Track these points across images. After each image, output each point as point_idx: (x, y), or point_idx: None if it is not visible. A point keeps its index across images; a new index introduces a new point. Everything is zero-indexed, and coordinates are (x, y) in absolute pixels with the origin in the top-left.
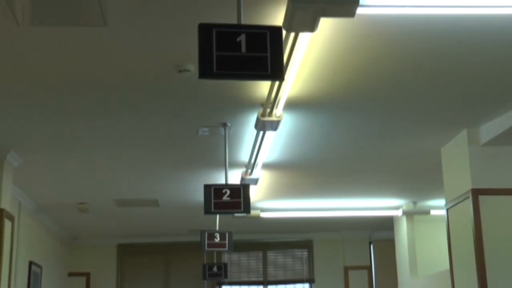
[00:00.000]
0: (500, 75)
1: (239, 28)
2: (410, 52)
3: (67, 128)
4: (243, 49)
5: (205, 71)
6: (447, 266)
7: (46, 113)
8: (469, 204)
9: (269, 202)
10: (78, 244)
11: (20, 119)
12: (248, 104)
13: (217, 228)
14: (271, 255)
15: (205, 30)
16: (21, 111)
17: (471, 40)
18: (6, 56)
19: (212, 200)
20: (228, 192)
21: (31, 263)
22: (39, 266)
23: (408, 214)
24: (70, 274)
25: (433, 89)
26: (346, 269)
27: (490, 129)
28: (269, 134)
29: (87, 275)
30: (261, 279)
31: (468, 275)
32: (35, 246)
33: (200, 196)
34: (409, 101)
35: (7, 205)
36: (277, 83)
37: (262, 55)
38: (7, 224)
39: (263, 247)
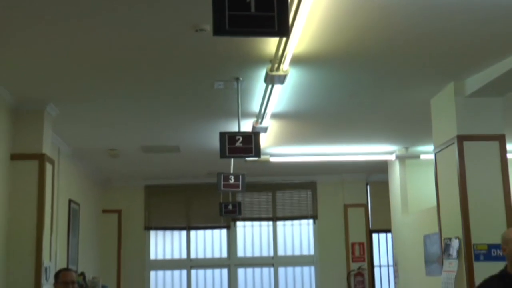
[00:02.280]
0: (483, 34)
1: None
2: (403, 15)
3: (99, 82)
4: (253, 8)
5: (219, 29)
6: (434, 203)
7: (81, 69)
8: (454, 149)
9: (277, 148)
10: (111, 185)
11: (57, 75)
12: (258, 60)
13: (232, 171)
14: (279, 194)
15: None
16: (59, 67)
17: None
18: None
19: (227, 146)
20: (241, 138)
21: (70, 201)
22: (77, 204)
23: (400, 158)
24: (104, 211)
25: (423, 47)
26: (346, 207)
27: (474, 82)
28: (277, 87)
29: (119, 212)
30: (270, 215)
31: (453, 211)
32: (73, 186)
33: (216, 143)
34: (402, 58)
35: (48, 151)
36: (283, 40)
37: (270, 14)
38: (48, 167)
39: (272, 188)
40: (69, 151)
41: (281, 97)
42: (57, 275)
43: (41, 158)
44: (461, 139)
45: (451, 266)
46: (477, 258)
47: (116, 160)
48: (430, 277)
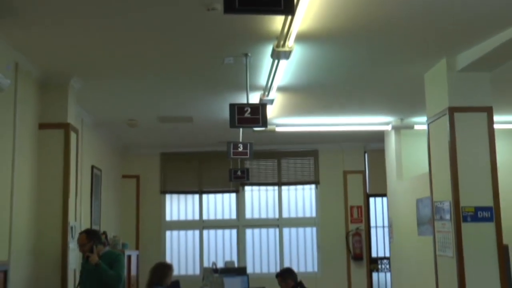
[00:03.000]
0: (473, 13)
1: None
2: None
3: (119, 59)
4: None
5: (229, 8)
6: (426, 170)
7: (102, 46)
8: (446, 120)
9: (282, 119)
10: (130, 152)
11: (81, 51)
12: (265, 37)
13: (240, 139)
14: (284, 161)
15: None
16: (82, 44)
17: None
18: None
19: (236, 116)
20: (249, 110)
21: (93, 167)
22: (99, 170)
23: (396, 128)
24: (124, 176)
25: (418, 25)
26: (345, 173)
27: (465, 58)
28: (283, 62)
29: (137, 177)
30: (276, 181)
31: (444, 177)
32: (95, 154)
33: (226, 114)
34: (398, 35)
35: (72, 120)
36: (289, 18)
37: None
38: (73, 135)
39: (277, 155)
40: (91, 121)
41: (287, 71)
42: None
43: (66, 127)
44: (452, 110)
45: (445, 227)
46: (465, 220)
47: (135, 129)
48: (421, 236)
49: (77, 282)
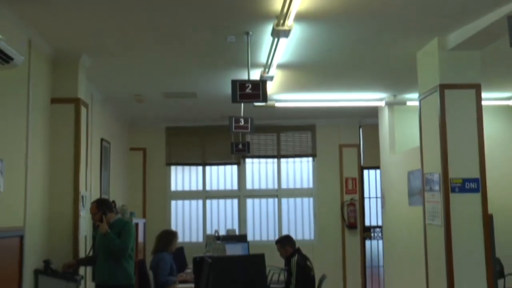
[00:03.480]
0: None
1: None
2: None
3: (127, 37)
4: None
5: None
6: (418, 144)
7: (111, 25)
8: (437, 96)
9: (282, 95)
10: (137, 126)
11: (91, 29)
12: (266, 16)
13: (242, 114)
14: (283, 135)
15: None
16: (92, 23)
17: None
18: None
19: (238, 92)
20: (250, 86)
21: (102, 140)
22: (108, 142)
23: (389, 104)
24: (131, 149)
25: (412, 5)
26: (341, 147)
27: (456, 37)
28: (282, 40)
29: (144, 150)
30: (275, 154)
31: (434, 151)
32: (104, 127)
33: (228, 89)
34: (393, 15)
35: (82, 95)
36: None
37: None
38: (83, 109)
39: (277, 129)
40: (100, 96)
41: (286, 49)
42: None
43: (77, 102)
44: (443, 87)
45: (434, 197)
46: (453, 190)
47: (141, 104)
48: (412, 207)
49: (88, 248)
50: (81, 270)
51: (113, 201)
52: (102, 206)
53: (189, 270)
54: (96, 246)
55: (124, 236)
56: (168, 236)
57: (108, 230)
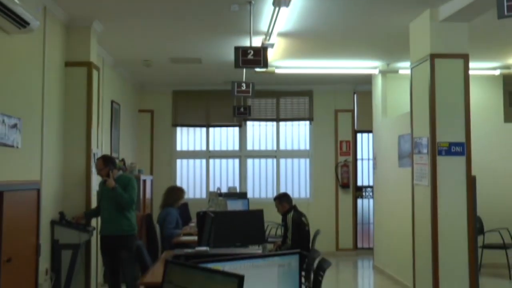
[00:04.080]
0: None
1: None
2: None
3: (137, 4)
4: None
5: None
6: (408, 110)
7: None
8: (427, 65)
9: (281, 62)
10: (145, 89)
11: None
12: None
13: (244, 79)
14: (282, 100)
15: None
16: None
17: None
18: None
19: (240, 58)
20: (252, 52)
21: (112, 102)
22: (118, 104)
23: (382, 72)
24: (140, 111)
25: None
26: (336, 111)
27: (446, 9)
28: (283, 9)
29: (152, 111)
30: (274, 117)
31: (423, 116)
32: (114, 90)
33: (231, 56)
34: None
35: (94, 59)
36: None
37: None
38: (95, 73)
39: (276, 94)
40: (111, 61)
41: (286, 18)
42: None
43: (89, 65)
44: (433, 57)
45: (422, 160)
46: (440, 153)
47: (150, 69)
48: (401, 168)
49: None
50: (93, 222)
51: (123, 159)
52: (108, 162)
53: (193, 224)
54: (100, 200)
55: (129, 190)
56: (177, 192)
57: (116, 185)
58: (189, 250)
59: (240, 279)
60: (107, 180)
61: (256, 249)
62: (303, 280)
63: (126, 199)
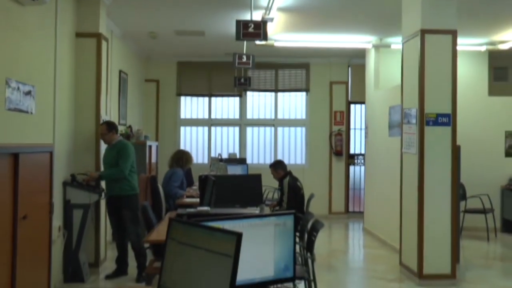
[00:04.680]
0: None
1: None
2: None
3: None
4: None
5: None
6: (399, 82)
7: None
8: (418, 40)
9: (280, 35)
10: (151, 60)
11: None
12: None
13: (244, 52)
14: (280, 72)
15: None
16: None
17: None
18: None
19: (241, 31)
20: (252, 25)
21: (120, 71)
22: (126, 74)
23: (376, 47)
24: (146, 80)
25: None
26: (331, 83)
27: None
28: None
29: (157, 81)
30: (273, 88)
31: (413, 89)
32: (122, 60)
33: (233, 29)
34: None
35: (103, 31)
36: None
37: None
38: (104, 43)
39: (275, 66)
40: (119, 33)
41: None
42: None
43: (98, 37)
44: (423, 32)
45: (411, 129)
46: (428, 124)
47: (155, 40)
48: (391, 137)
49: None
50: (102, 183)
51: (130, 126)
52: (111, 128)
53: (195, 187)
54: (104, 165)
55: (122, 156)
56: (186, 155)
57: (98, 174)
58: (192, 210)
59: (238, 236)
60: (89, 180)
61: (254, 210)
62: (297, 240)
63: (115, 175)
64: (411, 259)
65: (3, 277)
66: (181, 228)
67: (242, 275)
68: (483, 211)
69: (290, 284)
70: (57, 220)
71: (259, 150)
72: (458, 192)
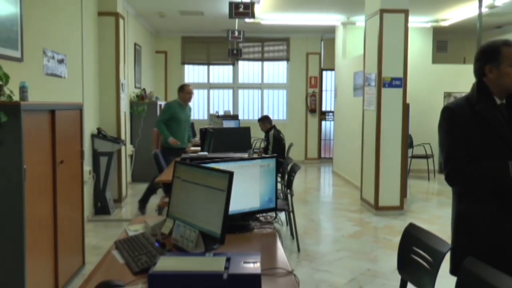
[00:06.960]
0: None
1: None
2: None
3: None
4: None
5: None
6: (362, 53)
7: None
8: (377, 18)
9: (266, 15)
10: (160, 35)
11: None
12: None
13: (236, 28)
14: (266, 45)
15: None
16: None
17: None
18: None
19: (233, 11)
20: (243, 6)
21: (135, 44)
22: (140, 46)
23: (344, 24)
24: (156, 52)
25: None
26: (307, 54)
27: None
28: None
29: (165, 52)
30: (260, 57)
31: (373, 58)
32: (136, 35)
33: (227, 9)
34: None
35: (120, 10)
36: None
37: None
38: (121, 21)
39: (261, 40)
40: (133, 12)
41: None
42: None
43: (116, 15)
44: (382, 11)
45: (371, 91)
46: (384, 86)
47: (163, 19)
48: (355, 97)
49: (127, 121)
50: (123, 135)
51: (144, 89)
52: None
53: (197, 138)
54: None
55: (161, 112)
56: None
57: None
58: (193, 155)
59: (230, 174)
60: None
61: (243, 155)
62: (279, 179)
63: (156, 125)
64: (369, 195)
65: (47, 210)
66: (184, 169)
67: (234, 206)
68: (426, 157)
69: (273, 213)
70: (87, 165)
71: (249, 108)
72: (407, 141)
